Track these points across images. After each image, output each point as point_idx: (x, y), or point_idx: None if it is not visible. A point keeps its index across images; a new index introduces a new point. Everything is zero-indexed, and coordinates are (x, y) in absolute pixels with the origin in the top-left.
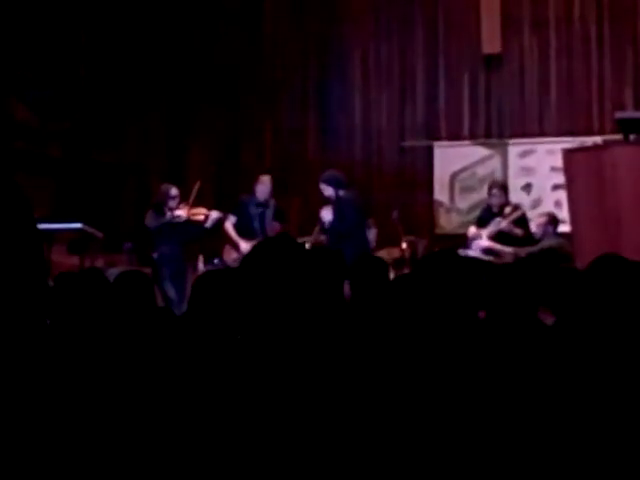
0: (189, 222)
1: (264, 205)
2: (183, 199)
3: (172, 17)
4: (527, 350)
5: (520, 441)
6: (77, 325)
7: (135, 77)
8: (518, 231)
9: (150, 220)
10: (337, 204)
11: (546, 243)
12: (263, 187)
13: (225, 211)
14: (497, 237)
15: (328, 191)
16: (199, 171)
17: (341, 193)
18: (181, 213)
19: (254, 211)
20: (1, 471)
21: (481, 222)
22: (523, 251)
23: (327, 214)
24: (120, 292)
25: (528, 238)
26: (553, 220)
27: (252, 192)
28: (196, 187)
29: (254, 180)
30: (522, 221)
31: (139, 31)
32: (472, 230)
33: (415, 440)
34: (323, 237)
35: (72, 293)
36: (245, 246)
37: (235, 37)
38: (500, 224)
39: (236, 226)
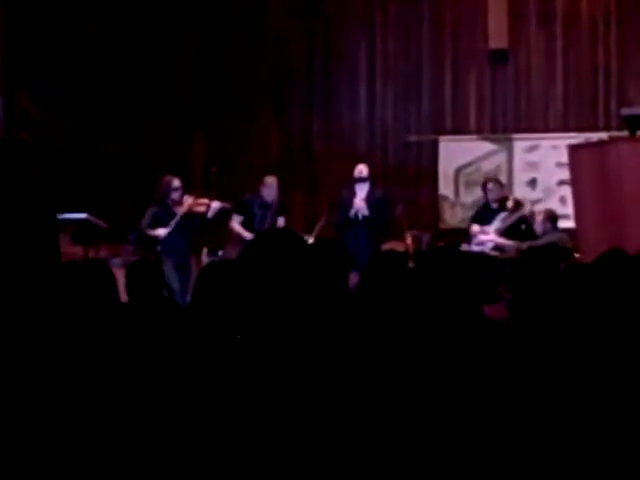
0: (191, 214)
1: (269, 206)
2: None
3: (178, 14)
4: (528, 347)
5: (528, 438)
6: (81, 314)
7: (141, 70)
8: (523, 226)
9: (145, 218)
10: (379, 200)
11: (547, 238)
12: (269, 190)
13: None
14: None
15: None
16: (204, 164)
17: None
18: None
19: (258, 211)
20: (2, 467)
21: (479, 219)
22: (525, 245)
23: (361, 203)
24: (131, 281)
25: (529, 233)
26: (551, 216)
27: (256, 191)
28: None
29: (259, 177)
30: (523, 220)
31: (146, 25)
32: (476, 228)
33: (418, 437)
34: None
35: (76, 283)
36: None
37: (240, 34)
38: (507, 219)
39: (242, 225)
